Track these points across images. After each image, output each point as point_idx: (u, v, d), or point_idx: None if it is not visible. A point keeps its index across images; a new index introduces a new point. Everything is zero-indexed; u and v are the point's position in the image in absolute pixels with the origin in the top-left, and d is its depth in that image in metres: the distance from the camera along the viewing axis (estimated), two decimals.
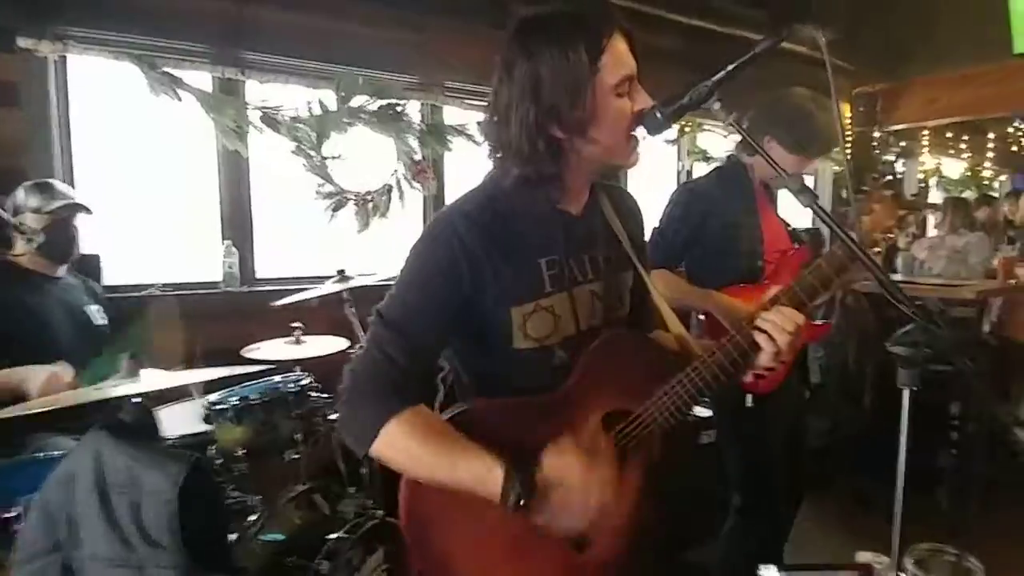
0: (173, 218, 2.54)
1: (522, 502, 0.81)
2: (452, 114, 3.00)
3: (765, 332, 0.93)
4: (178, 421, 1.86)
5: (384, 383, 0.86)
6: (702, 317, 1.83)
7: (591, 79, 0.84)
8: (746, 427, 1.79)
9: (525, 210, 0.93)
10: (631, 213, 1.11)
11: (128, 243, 2.41)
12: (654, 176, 3.93)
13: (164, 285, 2.36)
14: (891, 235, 1.24)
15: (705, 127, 3.77)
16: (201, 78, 2.39)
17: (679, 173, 3.99)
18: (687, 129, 3.75)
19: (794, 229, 1.88)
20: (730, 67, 0.86)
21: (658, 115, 0.89)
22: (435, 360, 0.99)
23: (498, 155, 0.94)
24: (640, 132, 0.92)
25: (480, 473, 0.82)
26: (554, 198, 0.95)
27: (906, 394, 0.82)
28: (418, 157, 2.81)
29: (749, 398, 1.73)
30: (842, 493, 2.72)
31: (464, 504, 0.85)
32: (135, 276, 2.37)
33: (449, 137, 2.92)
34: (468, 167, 2.93)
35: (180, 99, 2.30)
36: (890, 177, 1.45)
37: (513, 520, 0.85)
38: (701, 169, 3.74)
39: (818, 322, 1.95)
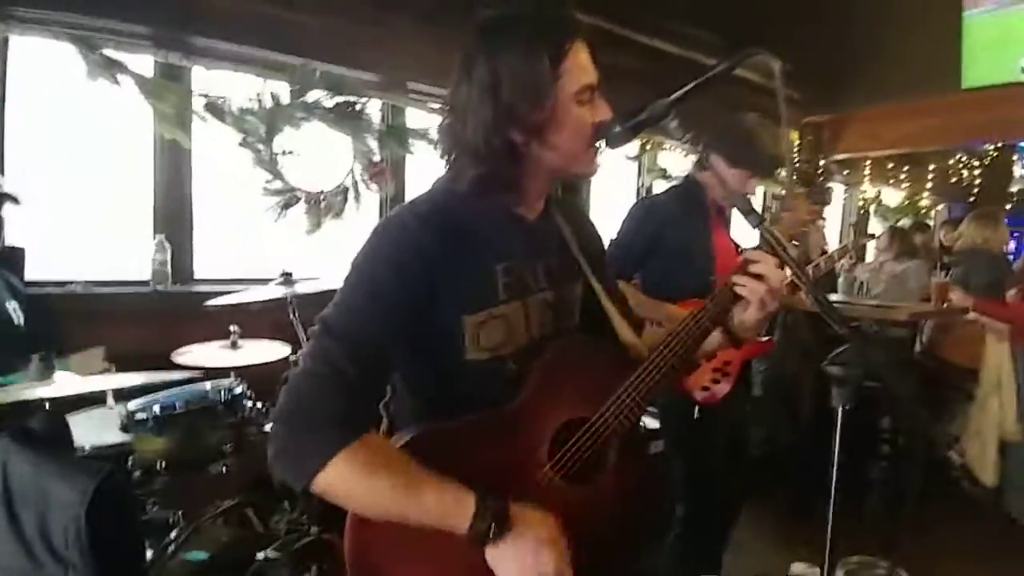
0: (103, 210, 2.37)
1: (492, 534, 0.76)
2: (415, 117, 2.95)
3: (742, 284, 0.92)
4: (95, 429, 1.72)
5: (332, 404, 0.77)
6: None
7: (552, 83, 0.83)
8: (692, 438, 1.85)
9: (480, 214, 0.90)
10: (583, 225, 1.09)
11: (52, 235, 2.24)
12: (614, 192, 3.99)
13: (88, 282, 2.19)
14: (806, 230, 1.33)
15: (665, 146, 3.84)
16: (144, 62, 2.25)
17: (639, 189, 4.04)
18: (647, 147, 3.81)
19: (744, 249, 1.93)
20: (688, 87, 0.88)
21: (617, 129, 0.89)
22: (387, 377, 0.91)
23: (453, 156, 0.91)
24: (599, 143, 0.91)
25: (448, 505, 0.77)
26: (510, 203, 0.92)
27: (840, 412, 0.83)
28: (377, 158, 2.73)
29: (696, 410, 1.77)
30: (780, 502, 2.78)
31: (421, 547, 0.80)
32: (57, 271, 2.19)
33: (411, 140, 2.86)
34: (429, 171, 2.86)
35: (119, 84, 2.16)
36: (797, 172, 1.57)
37: (471, 560, 0.80)
38: (661, 186, 3.80)
39: (762, 339, 2.01)
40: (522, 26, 0.85)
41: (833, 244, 4.48)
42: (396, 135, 2.78)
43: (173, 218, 2.40)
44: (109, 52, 2.13)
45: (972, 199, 6.47)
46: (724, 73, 0.89)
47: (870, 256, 4.44)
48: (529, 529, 0.80)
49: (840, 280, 4.07)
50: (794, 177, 1.51)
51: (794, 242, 1.36)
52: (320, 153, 2.62)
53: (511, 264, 0.91)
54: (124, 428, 1.60)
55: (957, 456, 0.79)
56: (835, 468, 0.83)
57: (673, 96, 0.88)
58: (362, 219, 2.70)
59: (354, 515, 0.82)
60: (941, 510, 2.94)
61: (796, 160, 1.69)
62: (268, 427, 1.73)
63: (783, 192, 1.74)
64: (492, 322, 0.89)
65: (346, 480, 0.76)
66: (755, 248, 0.93)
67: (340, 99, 2.58)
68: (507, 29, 0.86)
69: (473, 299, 0.88)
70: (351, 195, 2.66)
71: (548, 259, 0.98)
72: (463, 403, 0.88)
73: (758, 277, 0.91)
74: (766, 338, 2.17)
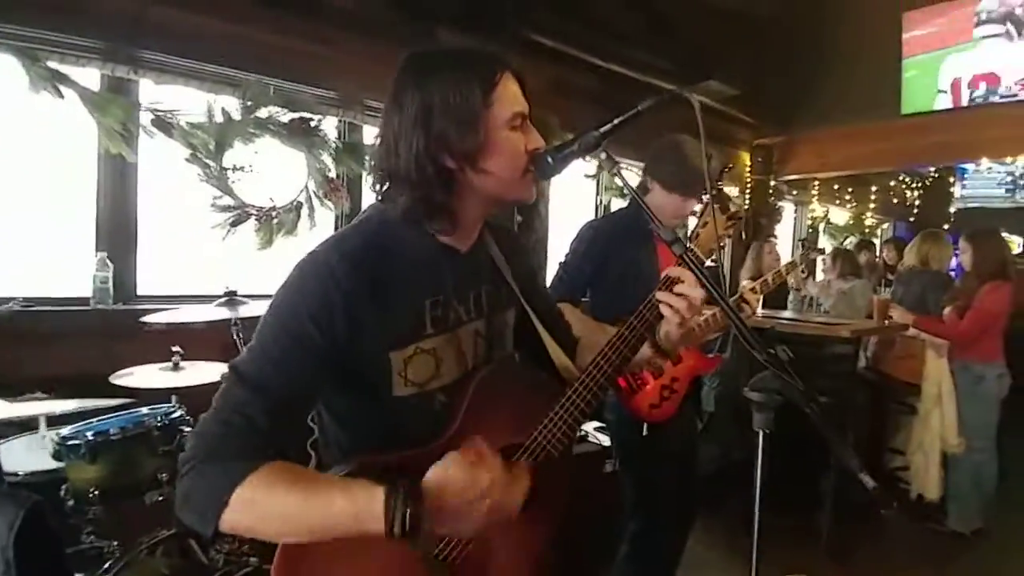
0: (43, 226, 2.28)
1: (408, 519, 0.69)
2: (372, 133, 2.94)
3: (664, 301, 0.95)
4: (28, 455, 1.64)
5: (238, 444, 0.75)
6: None
7: (483, 110, 0.84)
8: (642, 455, 1.87)
9: (410, 247, 0.89)
10: (516, 251, 1.09)
11: None
12: (573, 210, 4.05)
13: (25, 299, 2.10)
14: (723, 244, 1.41)
15: (622, 164, 3.92)
16: (90, 75, 2.19)
17: (597, 207, 4.11)
18: (615, 176, 3.87)
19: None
20: (616, 121, 0.90)
21: (549, 160, 0.90)
22: (302, 419, 0.86)
23: (385, 186, 0.90)
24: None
25: (361, 502, 0.71)
26: (444, 230, 0.90)
27: (761, 436, 0.85)
28: (332, 174, 2.71)
29: (644, 427, 1.79)
30: (732, 517, 2.83)
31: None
32: None
33: (367, 157, 2.85)
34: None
35: (63, 96, 2.09)
36: (717, 191, 1.58)
37: None
38: (619, 204, 3.88)
39: (710, 355, 2.05)
40: (451, 59, 0.88)
41: (786, 260, 4.65)
42: (352, 151, 2.77)
43: (116, 235, 2.32)
44: (54, 64, 2.07)
45: (912, 219, 6.82)
46: (652, 108, 0.91)
47: (820, 275, 4.61)
48: (442, 496, 0.74)
49: (791, 296, 4.20)
50: (714, 194, 1.55)
51: (712, 259, 1.40)
52: (273, 169, 2.58)
53: (439, 298, 0.90)
54: (56, 455, 1.53)
55: (869, 479, 0.81)
56: (758, 490, 0.85)
57: (602, 129, 0.89)
58: (316, 236, 2.67)
59: (280, 556, 0.78)
60: (890, 522, 3.03)
61: (718, 181, 1.74)
62: None
63: (698, 208, 1.77)
64: (420, 356, 0.88)
65: (251, 505, 0.72)
66: (676, 266, 0.95)
67: (294, 115, 2.56)
68: (437, 61, 0.87)
69: (399, 335, 0.86)
70: (305, 211, 2.63)
71: (479, 288, 0.98)
72: (393, 438, 0.87)
73: (678, 294, 0.93)
74: (713, 355, 2.22)
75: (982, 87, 3.83)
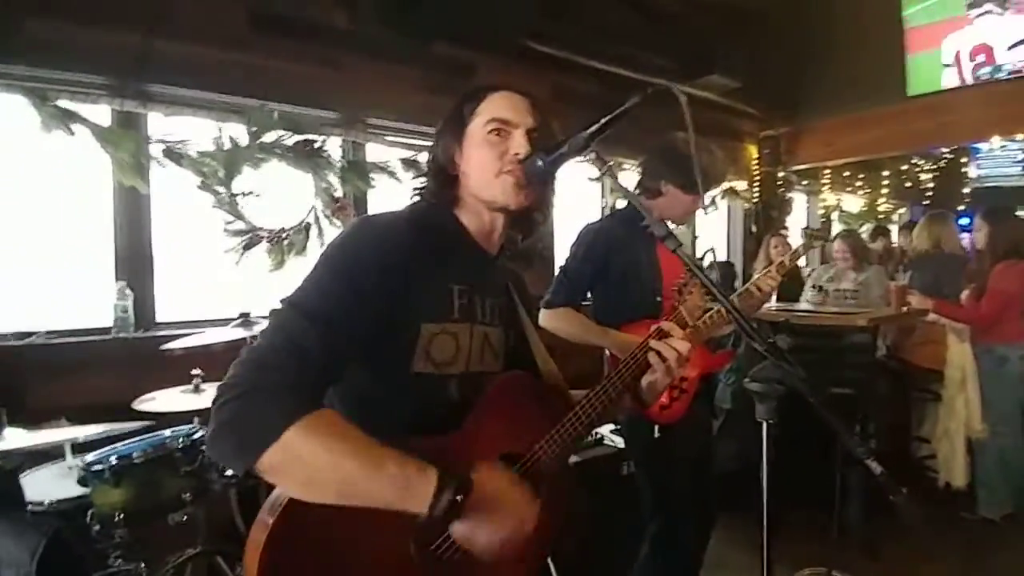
0: (63, 260, 2.35)
1: (459, 498, 0.74)
2: (375, 151, 2.99)
3: (655, 351, 1.04)
4: (54, 484, 1.69)
5: (293, 376, 0.74)
6: (608, 354, 1.88)
7: (467, 120, 0.99)
8: (655, 457, 1.86)
9: (446, 232, 0.98)
10: (523, 288, 1.16)
11: (10, 287, 2.21)
12: (578, 213, 4.06)
13: (49, 332, 2.17)
14: (707, 318, 1.51)
15: (624, 166, 3.93)
16: (99, 111, 2.26)
17: (603, 209, 4.11)
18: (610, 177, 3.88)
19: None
20: (603, 120, 0.93)
21: (539, 162, 0.94)
22: (343, 369, 0.84)
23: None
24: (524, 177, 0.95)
25: (411, 475, 0.74)
26: (451, 223, 1.00)
27: (764, 427, 0.85)
28: (339, 193, 2.76)
29: (656, 429, 1.79)
30: (753, 515, 2.79)
31: (342, 567, 0.80)
32: (17, 323, 2.17)
33: (372, 175, 2.90)
34: (391, 204, 2.88)
35: (73, 134, 2.17)
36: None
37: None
38: (623, 206, 3.87)
39: (719, 352, 2.04)
40: (468, 92, 1.03)
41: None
42: (357, 170, 2.82)
43: (134, 264, 2.39)
44: (64, 103, 2.15)
45: (926, 202, 6.70)
46: (637, 106, 0.93)
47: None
48: (492, 485, 0.80)
49: (806, 287, 4.15)
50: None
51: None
52: (281, 192, 2.64)
53: (465, 288, 0.96)
54: (82, 481, 1.58)
55: (876, 465, 0.81)
56: (764, 480, 0.85)
57: (590, 129, 0.92)
58: None
59: (267, 535, 0.76)
60: (918, 513, 2.97)
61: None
62: (229, 472, 1.72)
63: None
64: (445, 336, 0.92)
65: (302, 449, 0.71)
66: (668, 321, 1.07)
67: (299, 138, 2.62)
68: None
69: (433, 309, 0.92)
70: (314, 231, 2.68)
71: (494, 297, 1.04)
72: (400, 419, 0.90)
73: (669, 348, 1.02)
74: (722, 351, 2.20)
75: (980, 58, 3.87)
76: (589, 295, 1.89)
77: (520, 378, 1.03)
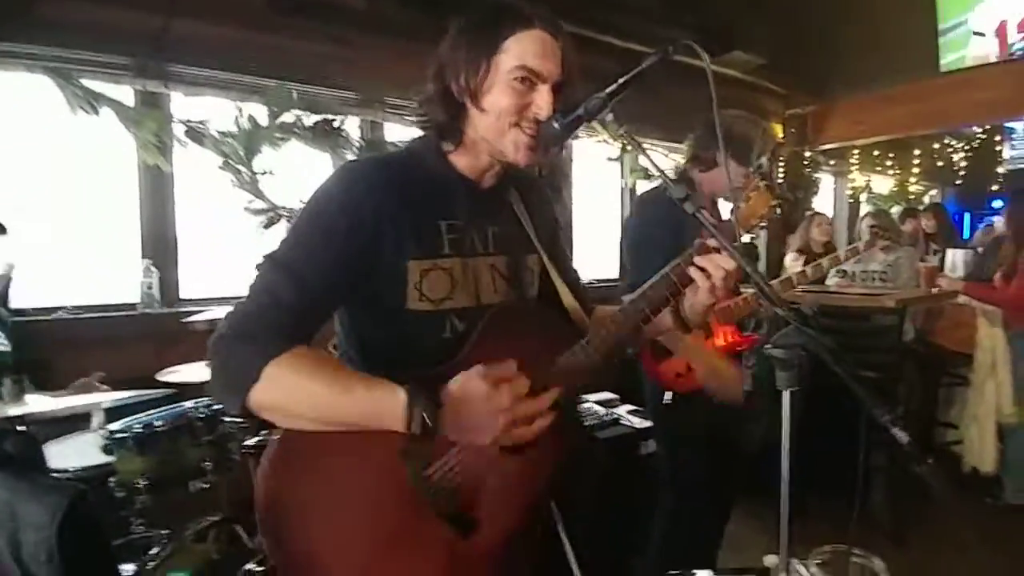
0: (89, 237, 2.40)
1: (425, 420, 0.77)
2: (393, 130, 2.98)
3: (701, 268, 0.95)
4: (80, 452, 1.74)
5: (268, 324, 0.80)
6: None
7: (491, 54, 0.89)
8: (668, 423, 1.86)
9: (432, 170, 0.95)
10: (541, 201, 1.12)
11: (38, 263, 2.27)
12: (598, 193, 4.02)
13: (74, 307, 2.22)
14: (764, 224, 1.39)
15: (645, 146, 3.86)
16: (123, 91, 2.29)
17: (622, 190, 4.07)
18: (628, 148, 3.82)
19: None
20: (620, 80, 0.90)
21: (555, 125, 0.91)
22: (325, 316, 0.90)
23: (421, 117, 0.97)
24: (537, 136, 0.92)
25: (380, 397, 0.78)
26: (456, 149, 0.95)
27: (786, 396, 0.83)
28: None
29: (668, 395, 1.77)
30: (772, 500, 2.75)
31: (338, 489, 0.83)
32: (44, 298, 2.23)
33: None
34: None
35: (98, 113, 2.21)
36: (764, 170, 1.58)
37: (392, 508, 0.83)
38: (644, 186, 3.82)
39: (747, 334, 2.00)
40: (485, 10, 0.93)
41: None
42: (375, 149, 2.82)
43: (158, 242, 2.44)
44: (88, 82, 2.18)
45: (959, 182, 6.46)
46: (655, 64, 0.91)
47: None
48: (462, 403, 0.80)
49: (833, 269, 4.04)
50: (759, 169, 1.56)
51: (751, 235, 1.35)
52: (301, 171, 2.66)
53: (455, 223, 0.95)
54: (106, 449, 1.62)
55: (902, 434, 0.78)
56: (787, 455, 0.83)
57: (607, 90, 0.89)
58: None
59: (267, 462, 0.83)
60: (945, 498, 2.91)
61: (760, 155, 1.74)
62: (249, 442, 1.75)
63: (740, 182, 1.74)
64: (437, 272, 0.92)
65: (278, 385, 0.77)
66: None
67: (318, 118, 2.62)
68: (473, 12, 0.94)
69: (419, 246, 0.91)
70: None
71: (496, 225, 1.00)
72: (401, 356, 0.91)
73: (715, 264, 0.93)
74: (750, 333, 2.15)
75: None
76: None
77: (518, 305, 1.01)
